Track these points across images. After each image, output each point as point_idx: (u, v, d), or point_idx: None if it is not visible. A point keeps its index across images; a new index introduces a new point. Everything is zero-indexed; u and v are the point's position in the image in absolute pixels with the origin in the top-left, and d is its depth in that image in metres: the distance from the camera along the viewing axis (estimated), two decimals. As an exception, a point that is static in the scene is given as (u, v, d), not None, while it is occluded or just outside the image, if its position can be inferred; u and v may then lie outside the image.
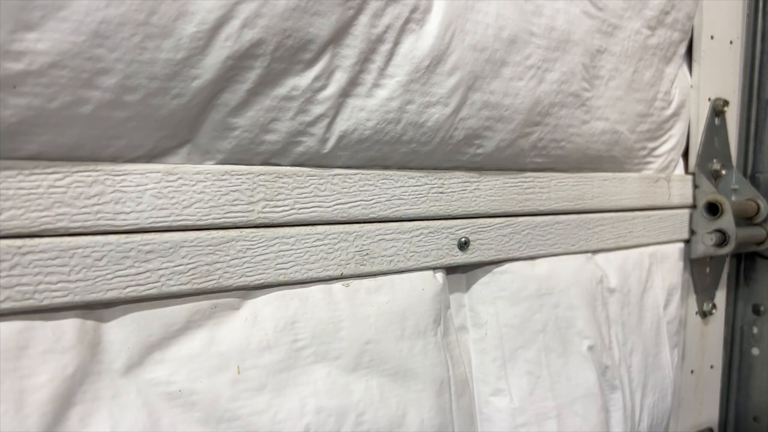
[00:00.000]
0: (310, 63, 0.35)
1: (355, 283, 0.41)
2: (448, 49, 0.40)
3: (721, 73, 0.72)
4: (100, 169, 0.31)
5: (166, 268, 0.33)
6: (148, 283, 0.32)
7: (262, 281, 0.37)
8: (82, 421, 0.30)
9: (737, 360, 0.81)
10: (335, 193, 0.39)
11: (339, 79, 0.36)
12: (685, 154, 0.70)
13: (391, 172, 0.42)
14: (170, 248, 0.33)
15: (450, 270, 0.48)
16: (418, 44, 0.39)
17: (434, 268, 0.45)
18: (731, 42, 0.74)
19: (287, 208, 0.37)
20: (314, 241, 0.39)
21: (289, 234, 0.38)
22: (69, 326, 0.30)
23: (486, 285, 0.49)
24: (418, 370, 0.43)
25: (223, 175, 0.35)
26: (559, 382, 0.52)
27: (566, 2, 0.48)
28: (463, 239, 0.46)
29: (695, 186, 0.70)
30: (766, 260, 0.78)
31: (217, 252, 0.35)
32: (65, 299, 0.30)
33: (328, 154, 0.38)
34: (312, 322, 0.38)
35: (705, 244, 0.69)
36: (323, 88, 0.36)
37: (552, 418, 0.50)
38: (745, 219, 0.73)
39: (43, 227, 0.29)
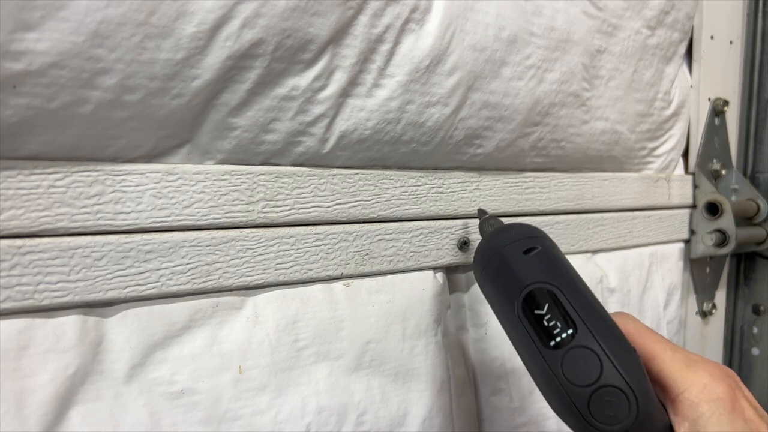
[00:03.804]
0: (310, 63, 0.35)
1: (356, 282, 0.41)
2: (448, 49, 0.40)
3: (721, 73, 0.72)
4: (100, 169, 0.31)
5: (165, 268, 0.33)
6: (148, 283, 0.32)
7: (261, 281, 0.37)
8: (84, 421, 0.30)
9: (737, 360, 0.81)
10: (335, 193, 0.39)
11: (339, 79, 0.36)
12: (685, 154, 0.70)
13: (391, 172, 0.42)
14: (170, 248, 0.33)
15: (450, 270, 0.48)
16: (418, 44, 0.39)
17: (434, 268, 0.45)
18: (731, 42, 0.74)
19: (287, 208, 0.37)
20: (314, 241, 0.39)
21: (288, 234, 0.38)
22: (70, 326, 0.30)
23: (486, 285, 0.49)
24: (419, 370, 0.43)
25: (223, 175, 0.35)
26: (559, 382, 0.52)
27: (566, 2, 0.48)
28: (463, 239, 0.46)
29: (695, 186, 0.70)
30: (766, 260, 0.78)
31: (217, 252, 0.35)
32: (65, 299, 0.30)
33: (328, 154, 0.38)
34: (313, 322, 0.38)
35: (705, 244, 0.69)
36: (323, 88, 0.36)
37: (552, 418, 0.50)
38: (745, 219, 0.73)
39: (43, 227, 0.29)
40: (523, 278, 0.32)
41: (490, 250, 0.35)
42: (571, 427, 0.29)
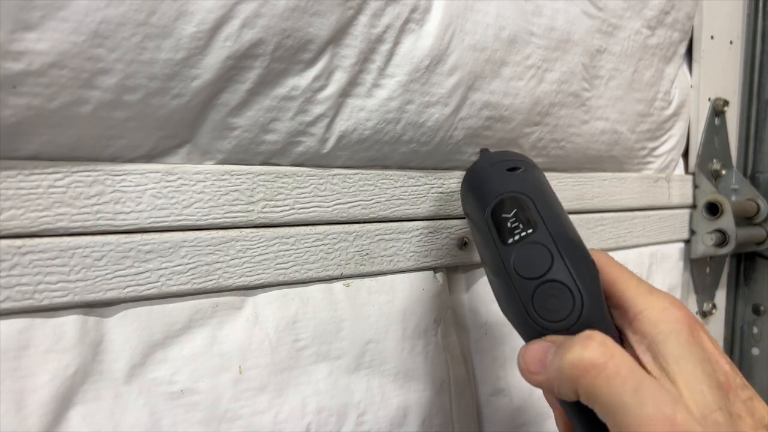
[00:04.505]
0: (310, 63, 0.35)
1: (356, 282, 0.41)
2: (447, 49, 0.40)
3: (721, 73, 0.72)
4: (99, 169, 0.31)
5: (165, 268, 0.33)
6: (148, 283, 0.32)
7: (261, 281, 0.37)
8: (84, 421, 0.30)
9: (737, 360, 0.81)
10: (335, 193, 0.39)
11: (339, 79, 0.36)
12: (685, 154, 0.70)
13: (391, 172, 0.42)
14: (170, 248, 0.33)
15: (450, 270, 0.48)
16: (418, 44, 0.39)
17: (434, 268, 0.45)
18: (731, 42, 0.74)
19: (287, 208, 0.37)
20: (314, 241, 0.39)
21: (288, 234, 0.38)
22: (70, 326, 0.30)
23: (486, 285, 0.49)
24: (419, 371, 0.43)
25: (222, 175, 0.35)
26: (559, 382, 0.52)
27: (566, 2, 0.48)
28: (463, 239, 0.46)
29: (695, 186, 0.70)
30: (766, 260, 0.78)
31: (216, 252, 0.35)
32: (65, 299, 0.30)
33: (328, 154, 0.38)
34: (313, 322, 0.38)
35: (705, 244, 0.69)
36: (323, 88, 0.36)
37: (552, 418, 0.50)
38: (745, 219, 0.73)
39: (42, 227, 0.29)
40: (499, 188, 0.33)
41: (477, 169, 0.37)
42: (515, 322, 0.29)
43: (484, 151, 0.43)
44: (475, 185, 0.35)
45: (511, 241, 0.30)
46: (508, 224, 0.31)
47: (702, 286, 0.73)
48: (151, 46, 0.29)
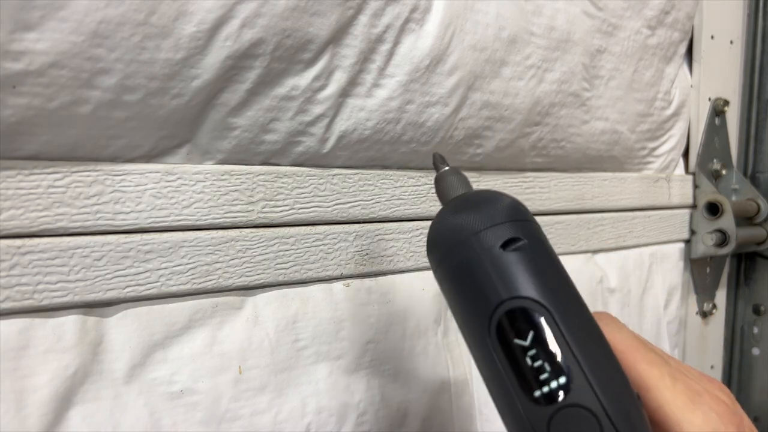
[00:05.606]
0: (310, 63, 0.35)
1: (356, 282, 0.41)
2: (447, 48, 0.40)
3: (721, 73, 0.72)
4: (99, 169, 0.31)
5: (165, 268, 0.33)
6: (148, 283, 0.32)
7: (261, 281, 0.37)
8: (84, 421, 0.30)
9: (737, 360, 0.81)
10: (335, 193, 0.39)
11: (339, 79, 0.36)
12: (686, 154, 0.70)
13: (391, 172, 0.42)
14: (170, 248, 0.33)
15: (450, 270, 0.48)
16: (418, 44, 0.39)
17: (434, 268, 0.45)
18: (731, 42, 0.74)
19: (287, 208, 0.37)
20: (314, 241, 0.39)
21: (288, 234, 0.38)
22: (70, 326, 0.30)
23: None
24: (419, 371, 0.43)
25: (222, 175, 0.35)
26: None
27: (566, 2, 0.48)
28: (463, 239, 0.46)
29: (695, 186, 0.70)
30: (766, 260, 0.78)
31: (216, 252, 0.35)
32: (65, 299, 0.30)
33: (328, 154, 0.38)
34: (313, 322, 0.38)
35: (705, 244, 0.69)
36: (323, 87, 0.36)
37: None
38: (745, 219, 0.73)
39: (42, 227, 0.29)
40: (500, 289, 0.23)
41: (452, 237, 0.25)
42: None
43: (443, 168, 0.29)
44: (456, 271, 0.24)
45: (538, 394, 0.21)
46: (528, 360, 0.21)
47: (702, 286, 0.73)
48: (150, 46, 0.29)
